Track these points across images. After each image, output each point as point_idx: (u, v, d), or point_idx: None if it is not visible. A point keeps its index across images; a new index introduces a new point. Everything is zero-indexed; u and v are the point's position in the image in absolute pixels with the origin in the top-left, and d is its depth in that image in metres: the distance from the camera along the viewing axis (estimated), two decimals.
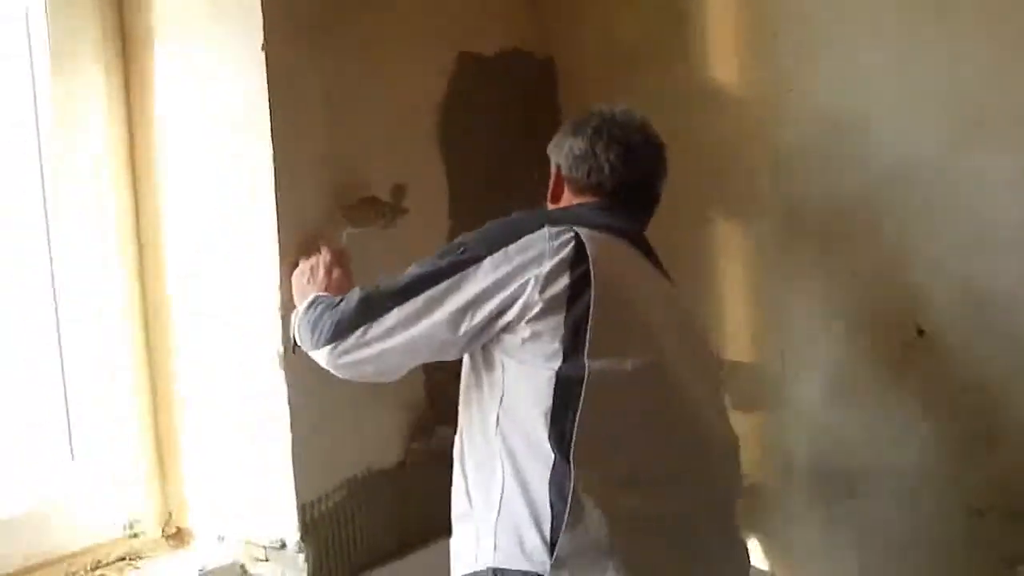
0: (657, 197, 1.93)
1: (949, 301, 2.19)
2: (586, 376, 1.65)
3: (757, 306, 2.47)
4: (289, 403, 2.06)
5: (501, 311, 1.68)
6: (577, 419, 1.64)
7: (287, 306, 2.02)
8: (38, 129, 2.13)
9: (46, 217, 2.14)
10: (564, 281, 1.66)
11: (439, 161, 2.40)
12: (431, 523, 2.07)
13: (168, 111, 2.17)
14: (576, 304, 1.66)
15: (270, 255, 2.05)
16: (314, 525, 2.12)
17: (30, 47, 2.12)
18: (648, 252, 1.87)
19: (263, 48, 2.02)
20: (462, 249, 1.73)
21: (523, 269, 1.67)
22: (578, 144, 1.87)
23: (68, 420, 2.18)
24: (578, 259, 1.67)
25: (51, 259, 2.15)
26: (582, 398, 1.65)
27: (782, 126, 2.35)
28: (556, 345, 1.66)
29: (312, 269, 1.98)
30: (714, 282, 2.51)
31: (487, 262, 1.69)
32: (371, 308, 1.74)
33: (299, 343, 1.86)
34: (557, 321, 1.66)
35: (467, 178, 2.44)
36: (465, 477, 1.80)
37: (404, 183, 2.25)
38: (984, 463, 2.19)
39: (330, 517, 2.15)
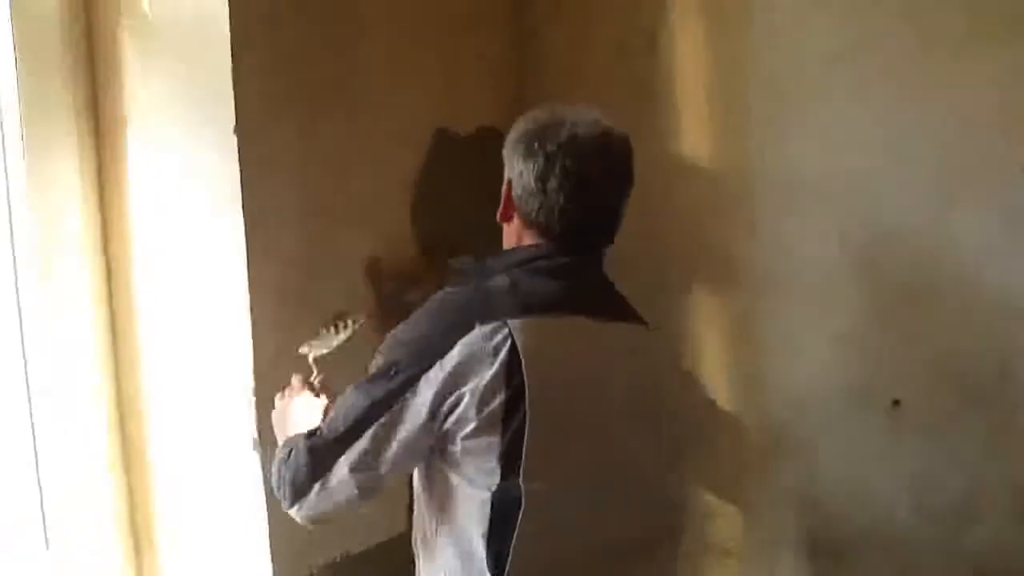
0: (617, 223, 1.76)
1: (929, 369, 2.18)
2: (523, 499, 1.57)
3: (736, 375, 2.46)
4: (265, 488, 2.03)
5: (444, 420, 1.59)
6: (514, 542, 1.57)
7: (261, 388, 2.01)
8: (10, 213, 2.12)
9: (18, 301, 2.12)
10: (500, 397, 1.55)
11: (412, 237, 2.39)
12: None
13: (141, 194, 2.16)
14: (512, 420, 1.56)
15: (244, 340, 2.03)
16: None
17: (2, 131, 2.11)
18: (604, 303, 1.73)
19: (235, 131, 2.01)
20: (393, 371, 1.60)
21: (458, 382, 1.56)
22: (528, 172, 1.67)
23: (42, 508, 2.14)
24: (513, 366, 1.55)
25: (24, 346, 2.12)
26: (519, 521, 1.57)
27: (757, 193, 2.35)
28: (492, 463, 1.58)
29: (282, 408, 1.87)
30: (690, 349, 2.49)
31: (423, 383, 1.58)
32: (320, 460, 1.63)
33: None
34: (492, 440, 1.57)
35: (444, 254, 2.41)
36: (418, 556, 1.76)
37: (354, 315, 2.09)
38: (972, 531, 2.17)
39: None
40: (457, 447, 1.59)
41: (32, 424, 2.14)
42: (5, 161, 2.11)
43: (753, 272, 2.37)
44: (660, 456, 1.78)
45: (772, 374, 2.38)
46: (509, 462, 1.57)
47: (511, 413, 1.56)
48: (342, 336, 1.98)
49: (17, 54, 2.07)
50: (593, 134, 1.69)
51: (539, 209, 1.68)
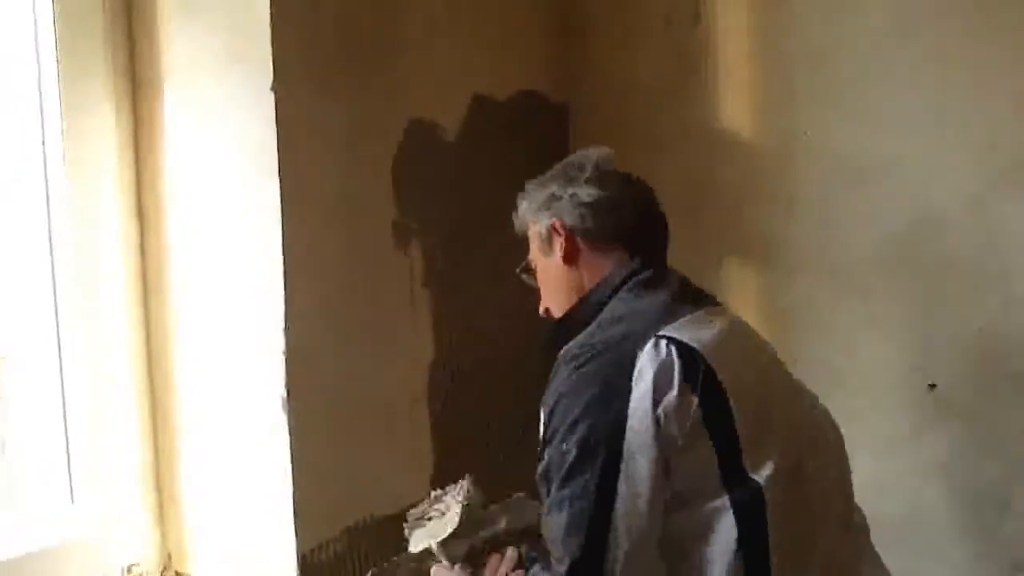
0: (666, 224, 1.77)
1: (967, 355, 2.14)
2: (763, 490, 1.46)
3: None
4: (291, 448, 2.03)
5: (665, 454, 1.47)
6: (771, 533, 1.45)
7: (291, 348, 2.01)
8: (46, 170, 2.12)
9: (52, 259, 2.13)
10: (695, 403, 1.46)
11: (449, 203, 2.38)
12: None
13: (177, 152, 2.16)
14: (715, 420, 1.47)
15: (276, 298, 2.02)
16: (314, 574, 2.08)
17: (40, 88, 2.11)
18: (698, 297, 1.70)
19: (272, 89, 2.00)
20: (593, 442, 1.45)
21: (654, 407, 1.45)
22: (582, 190, 1.68)
23: (68, 462, 2.15)
24: (688, 370, 1.47)
25: (56, 301, 2.12)
26: (769, 511, 1.46)
27: (798, 171, 2.33)
28: (714, 471, 1.46)
29: None
30: None
31: (629, 434, 1.45)
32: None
33: None
34: (707, 448, 1.46)
35: (476, 219, 2.42)
36: None
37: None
38: (1007, 518, 2.14)
39: (331, 566, 2.11)
40: (678, 472, 1.47)
41: (61, 378, 2.14)
42: (43, 118, 2.12)
43: (790, 250, 2.34)
44: (829, 419, 1.73)
45: (805, 355, 2.34)
46: (732, 461, 1.47)
47: (710, 415, 1.47)
48: (457, 509, 1.71)
49: (56, 11, 2.07)
50: (599, 156, 1.75)
51: (609, 214, 1.68)
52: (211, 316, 2.14)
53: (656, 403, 1.45)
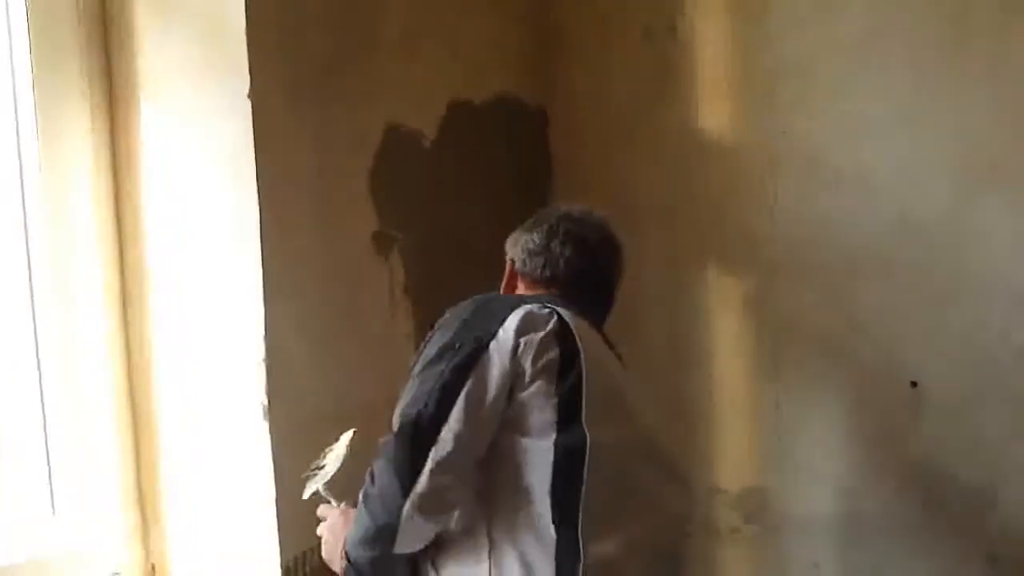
0: (613, 295, 1.93)
1: (947, 358, 2.16)
2: (587, 446, 1.62)
3: (753, 356, 2.44)
4: (273, 456, 2.03)
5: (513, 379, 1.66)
6: (584, 488, 1.61)
7: (271, 356, 2.01)
8: (22, 181, 2.11)
9: (29, 271, 2.12)
10: (554, 352, 1.65)
11: (428, 209, 2.38)
12: None
13: (155, 162, 2.15)
14: (566, 375, 1.64)
15: (255, 306, 2.02)
16: None
17: (15, 95, 2.10)
18: (606, 341, 1.86)
19: (249, 97, 2.00)
20: (457, 344, 1.66)
21: (517, 339, 1.64)
22: (533, 239, 1.89)
23: (49, 474, 2.14)
24: (561, 333, 1.66)
25: (34, 312, 2.11)
26: (587, 467, 1.61)
27: (779, 177, 2.33)
28: (550, 414, 1.64)
29: (331, 538, 1.84)
30: (709, 332, 2.48)
31: (492, 348, 1.64)
32: (419, 439, 1.62)
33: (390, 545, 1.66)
34: (549, 389, 1.64)
35: (456, 224, 2.42)
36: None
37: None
38: (986, 515, 2.16)
39: (315, 574, 2.10)
40: (516, 400, 1.64)
41: (40, 390, 2.13)
42: (18, 128, 2.11)
43: (771, 255, 2.35)
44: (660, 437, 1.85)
45: (788, 356, 2.36)
46: (568, 411, 1.63)
47: (565, 369, 1.65)
48: (341, 452, 1.82)
49: (30, 23, 2.07)
50: (590, 214, 1.94)
51: (544, 265, 1.88)
52: (191, 325, 2.13)
53: (521, 333, 1.64)
